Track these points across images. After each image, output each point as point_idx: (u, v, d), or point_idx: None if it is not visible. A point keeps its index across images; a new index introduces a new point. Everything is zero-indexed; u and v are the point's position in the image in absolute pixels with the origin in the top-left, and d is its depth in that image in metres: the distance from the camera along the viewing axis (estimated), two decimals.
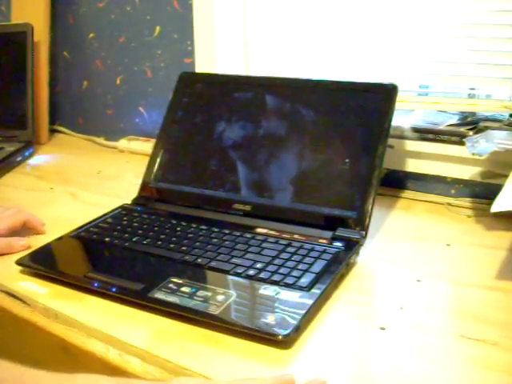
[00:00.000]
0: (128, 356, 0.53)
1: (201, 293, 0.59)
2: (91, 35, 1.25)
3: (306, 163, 0.78)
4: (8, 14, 1.33)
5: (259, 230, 0.74)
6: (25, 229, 0.77)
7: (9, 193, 0.98)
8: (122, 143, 1.21)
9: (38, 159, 1.18)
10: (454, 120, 0.90)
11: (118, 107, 1.26)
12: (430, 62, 0.90)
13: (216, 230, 0.74)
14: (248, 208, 0.78)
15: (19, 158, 1.14)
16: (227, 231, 0.73)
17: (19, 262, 0.67)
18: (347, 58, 0.97)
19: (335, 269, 0.63)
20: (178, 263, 0.66)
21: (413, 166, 0.90)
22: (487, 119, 0.87)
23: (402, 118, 0.91)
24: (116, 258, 0.70)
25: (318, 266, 0.63)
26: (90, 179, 1.04)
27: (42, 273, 0.66)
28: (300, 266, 0.64)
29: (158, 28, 1.14)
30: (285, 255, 0.66)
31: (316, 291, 0.59)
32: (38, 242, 0.73)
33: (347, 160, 0.75)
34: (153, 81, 1.18)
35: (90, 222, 0.78)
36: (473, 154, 0.78)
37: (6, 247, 0.72)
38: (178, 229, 0.75)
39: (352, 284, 0.64)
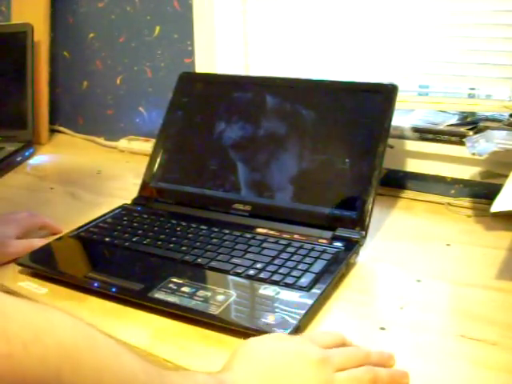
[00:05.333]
0: None
1: (201, 293, 0.59)
2: (91, 35, 1.25)
3: (306, 163, 0.78)
4: (8, 13, 1.33)
5: (259, 230, 0.74)
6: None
7: (9, 193, 0.98)
8: (122, 143, 1.21)
9: (38, 159, 1.18)
10: (454, 120, 0.90)
11: (118, 107, 1.26)
12: (430, 61, 0.90)
13: (216, 229, 0.74)
14: (248, 208, 0.78)
15: (19, 158, 1.14)
16: (227, 231, 0.73)
17: (19, 262, 0.67)
18: (347, 58, 0.97)
19: (335, 269, 0.63)
20: (178, 263, 0.66)
21: (413, 165, 0.90)
22: (487, 119, 0.87)
23: (402, 118, 0.91)
24: (116, 258, 0.70)
25: (318, 266, 0.64)
26: (90, 179, 1.04)
27: (42, 273, 0.66)
28: (300, 266, 0.64)
29: (157, 28, 1.14)
30: (285, 255, 0.66)
31: (316, 291, 0.59)
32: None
33: (347, 160, 0.75)
34: (153, 81, 1.18)
35: (89, 222, 0.78)
36: (473, 154, 0.78)
37: (28, 247, 0.71)
38: (178, 229, 0.75)
39: (352, 284, 0.64)
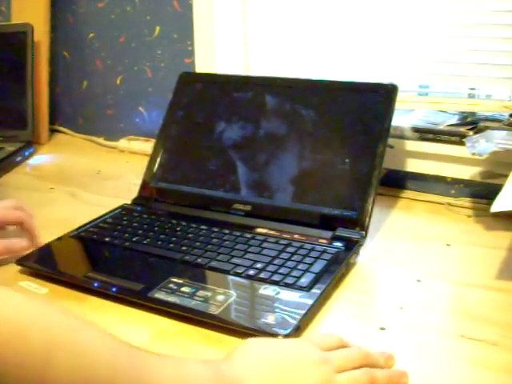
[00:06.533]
0: None
1: (201, 293, 0.59)
2: (91, 35, 1.25)
3: (306, 163, 0.78)
4: (8, 13, 1.33)
5: (259, 230, 0.74)
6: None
7: (9, 193, 0.98)
8: (122, 143, 1.21)
9: (38, 159, 1.18)
10: (454, 120, 0.90)
11: (118, 107, 1.26)
12: (430, 61, 0.90)
13: (216, 229, 0.74)
14: (248, 208, 0.78)
15: (19, 158, 1.14)
16: (227, 231, 0.73)
17: (19, 262, 0.67)
18: (347, 58, 0.97)
19: (335, 269, 0.63)
20: (178, 263, 0.66)
21: (413, 165, 0.90)
22: (487, 119, 0.87)
23: (402, 118, 0.91)
24: (116, 258, 0.70)
25: (318, 266, 0.64)
26: (90, 179, 1.04)
27: (42, 273, 0.66)
28: (300, 266, 0.64)
29: (157, 28, 1.14)
30: (285, 255, 0.66)
31: (316, 291, 0.59)
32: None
33: (347, 160, 0.75)
34: (153, 81, 1.18)
35: (89, 222, 0.78)
36: (473, 154, 0.78)
37: (3, 250, 0.68)
38: (178, 229, 0.75)
39: (352, 284, 0.64)
